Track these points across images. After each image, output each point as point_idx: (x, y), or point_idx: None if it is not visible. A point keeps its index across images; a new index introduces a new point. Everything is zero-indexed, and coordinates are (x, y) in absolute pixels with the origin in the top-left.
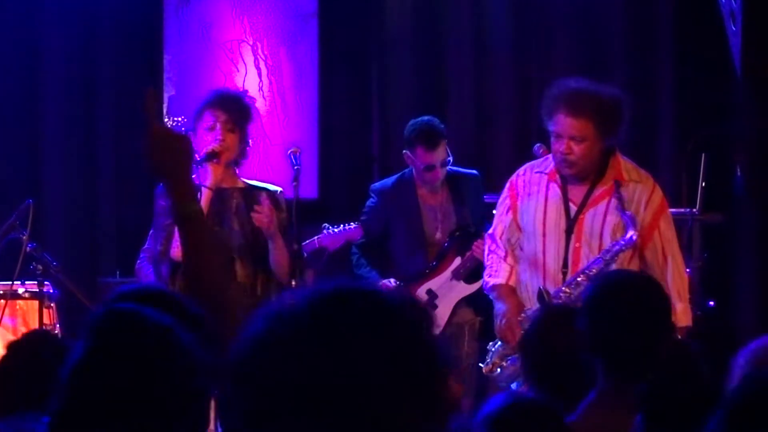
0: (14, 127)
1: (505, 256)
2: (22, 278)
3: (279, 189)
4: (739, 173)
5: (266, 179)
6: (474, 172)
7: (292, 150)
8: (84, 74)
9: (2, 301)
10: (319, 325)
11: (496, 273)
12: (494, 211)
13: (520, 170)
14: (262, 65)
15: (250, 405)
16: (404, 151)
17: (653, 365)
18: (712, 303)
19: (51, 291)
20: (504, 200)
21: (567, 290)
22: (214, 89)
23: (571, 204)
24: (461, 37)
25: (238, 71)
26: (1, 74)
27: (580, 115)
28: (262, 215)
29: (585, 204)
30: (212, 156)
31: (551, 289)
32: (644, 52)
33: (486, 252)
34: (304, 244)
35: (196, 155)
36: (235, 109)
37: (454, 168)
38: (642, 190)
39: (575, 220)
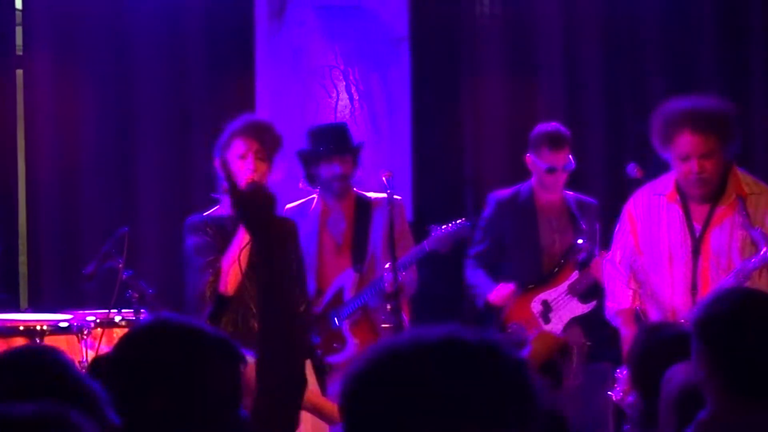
0: (110, 155)
1: (627, 281)
2: (119, 306)
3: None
4: None
5: None
6: (594, 200)
7: (385, 175)
8: (177, 101)
9: (99, 329)
10: (433, 370)
11: (620, 298)
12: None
13: (636, 194)
14: (353, 91)
15: None
16: (527, 154)
17: None
18: None
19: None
20: (622, 226)
21: None
22: (244, 117)
23: (694, 223)
24: (551, 59)
25: (330, 97)
26: (97, 103)
27: (706, 131)
28: None
29: (709, 222)
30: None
31: (681, 312)
32: (737, 70)
33: (606, 278)
34: (412, 252)
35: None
36: (267, 138)
37: (574, 193)
38: (765, 202)
39: (701, 239)
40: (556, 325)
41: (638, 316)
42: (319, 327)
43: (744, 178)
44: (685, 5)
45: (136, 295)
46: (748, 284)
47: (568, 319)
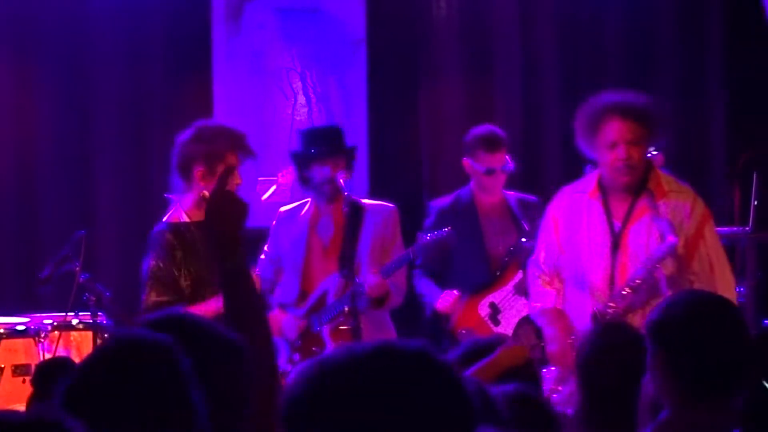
0: (67, 158)
1: (550, 281)
2: (76, 309)
3: None
4: None
5: None
6: (535, 198)
7: (342, 176)
8: (134, 104)
9: (56, 332)
10: (365, 384)
11: (542, 298)
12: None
13: (558, 194)
14: (311, 93)
15: None
16: (464, 159)
17: (739, 383)
18: (766, 322)
19: (104, 322)
20: (544, 226)
21: (613, 304)
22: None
23: (614, 220)
24: (509, 60)
25: (288, 99)
26: (54, 105)
27: (634, 119)
28: None
29: (628, 219)
30: None
31: (598, 306)
32: (694, 72)
33: (530, 279)
34: (394, 260)
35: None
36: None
37: (515, 193)
38: (684, 201)
39: (620, 235)
40: (506, 326)
41: (595, 317)
42: (301, 330)
43: (664, 177)
44: (643, 6)
45: (93, 298)
46: (663, 279)
47: (517, 319)
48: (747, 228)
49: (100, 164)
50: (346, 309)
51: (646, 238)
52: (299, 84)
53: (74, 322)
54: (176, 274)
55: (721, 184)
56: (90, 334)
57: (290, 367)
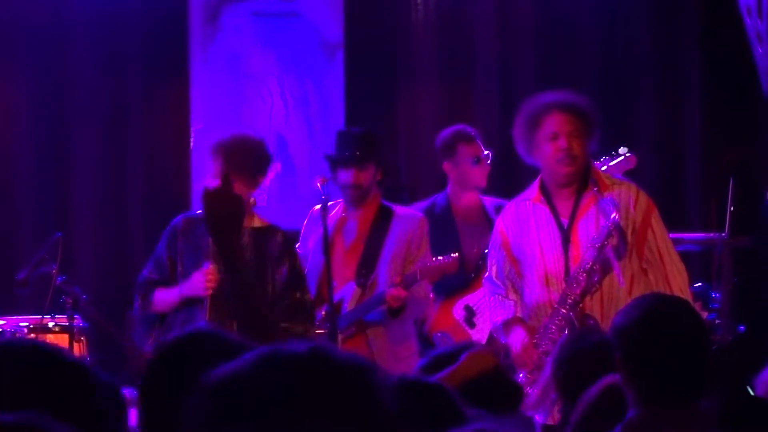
0: (43, 161)
1: (506, 294)
2: (52, 312)
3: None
4: (767, 196)
5: (294, 211)
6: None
7: (319, 181)
8: (112, 106)
9: (33, 335)
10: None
11: (501, 312)
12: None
13: (504, 208)
14: (288, 97)
15: None
16: (444, 163)
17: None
18: (742, 328)
19: (81, 324)
20: (493, 242)
21: (570, 292)
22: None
23: (561, 218)
24: (488, 65)
25: (265, 103)
26: (32, 107)
27: (574, 111)
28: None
29: (575, 214)
30: None
31: (556, 298)
32: (671, 76)
33: (487, 295)
34: (405, 276)
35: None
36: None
37: (492, 198)
38: (626, 193)
39: (569, 230)
40: (482, 329)
41: (572, 324)
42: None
43: (605, 174)
44: (619, 10)
45: (70, 301)
46: (617, 266)
47: None
48: (723, 234)
49: (78, 167)
50: (323, 313)
51: (595, 228)
52: (277, 88)
53: (51, 324)
54: (172, 258)
55: (697, 190)
56: (66, 336)
57: None
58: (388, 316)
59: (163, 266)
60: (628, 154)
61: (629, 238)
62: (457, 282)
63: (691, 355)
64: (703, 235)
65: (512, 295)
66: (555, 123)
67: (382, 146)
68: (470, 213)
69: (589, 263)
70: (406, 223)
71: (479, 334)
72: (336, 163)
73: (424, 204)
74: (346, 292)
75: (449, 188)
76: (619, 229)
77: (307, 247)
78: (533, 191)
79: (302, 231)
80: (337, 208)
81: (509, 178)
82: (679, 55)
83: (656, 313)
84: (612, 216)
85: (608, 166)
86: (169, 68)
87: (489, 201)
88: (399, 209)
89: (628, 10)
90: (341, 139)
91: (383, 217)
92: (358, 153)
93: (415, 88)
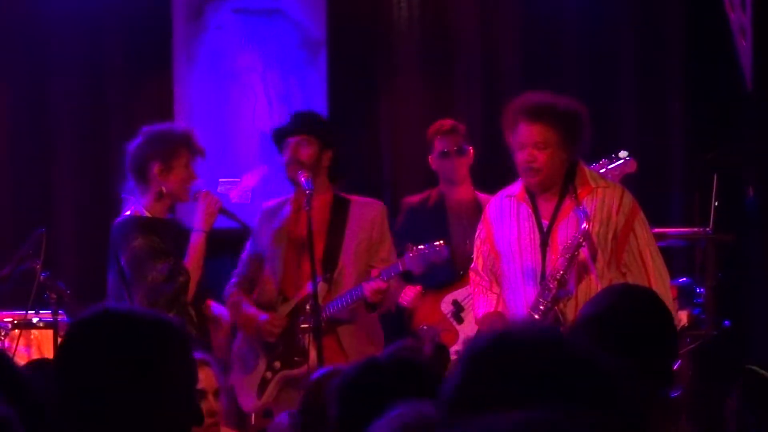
0: (26, 156)
1: (490, 287)
2: (36, 308)
3: None
4: (751, 192)
5: None
6: None
7: (304, 175)
8: (95, 103)
9: (17, 330)
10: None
11: (483, 304)
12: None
13: (490, 201)
14: (271, 94)
15: None
16: (429, 156)
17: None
18: (727, 323)
19: (65, 320)
20: (479, 234)
21: (542, 300)
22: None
23: (542, 220)
24: (471, 62)
25: (248, 100)
26: (12, 105)
27: (540, 121)
28: None
29: (555, 217)
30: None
31: (531, 302)
32: (654, 71)
33: (471, 287)
34: (386, 269)
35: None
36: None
37: (488, 195)
38: (611, 195)
39: (548, 233)
40: (470, 324)
41: (557, 318)
42: (282, 338)
43: (591, 174)
44: (604, 13)
45: (54, 296)
46: (594, 271)
47: None
48: (707, 229)
49: (60, 163)
50: (307, 308)
51: (574, 234)
52: (260, 85)
53: (35, 320)
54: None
55: (681, 185)
56: (50, 332)
57: (270, 375)
58: (362, 311)
59: (169, 251)
60: (627, 158)
61: (609, 243)
62: (447, 276)
63: (653, 343)
64: (687, 230)
65: (495, 288)
66: (521, 133)
67: (334, 130)
68: (463, 208)
69: (560, 272)
70: (364, 209)
71: (466, 330)
72: (278, 137)
73: (418, 197)
74: (311, 288)
75: (440, 183)
76: (589, 239)
77: (262, 243)
78: (518, 187)
79: (254, 227)
80: (288, 202)
81: (493, 173)
82: (662, 49)
83: (620, 303)
84: (582, 227)
85: (607, 169)
86: (152, 66)
87: (483, 197)
88: (355, 198)
89: (611, 9)
90: (290, 117)
91: (340, 208)
92: (298, 126)
93: (398, 85)
